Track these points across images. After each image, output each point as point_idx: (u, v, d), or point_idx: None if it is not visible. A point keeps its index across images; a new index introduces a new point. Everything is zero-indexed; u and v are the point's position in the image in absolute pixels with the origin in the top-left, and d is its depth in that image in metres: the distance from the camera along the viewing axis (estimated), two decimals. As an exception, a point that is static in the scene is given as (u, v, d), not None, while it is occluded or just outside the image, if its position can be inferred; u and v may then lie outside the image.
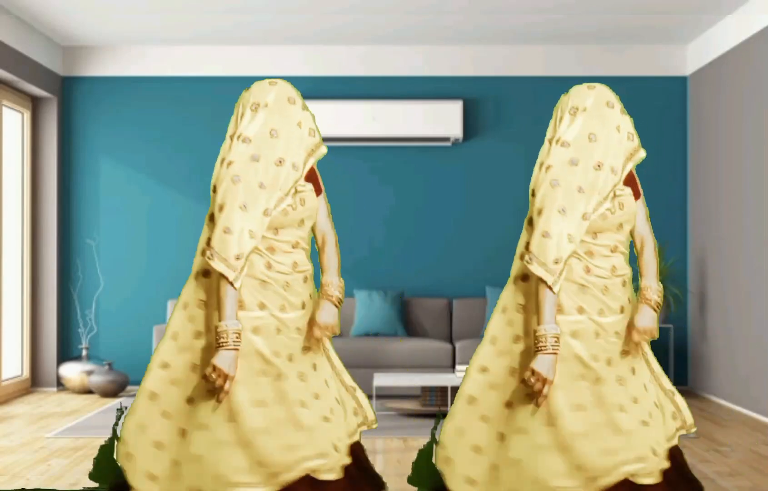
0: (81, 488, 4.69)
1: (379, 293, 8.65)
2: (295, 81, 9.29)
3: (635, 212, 3.86)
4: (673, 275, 8.74)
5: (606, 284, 3.83)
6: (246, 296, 3.79)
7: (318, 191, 4.14)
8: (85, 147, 9.04)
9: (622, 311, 3.85)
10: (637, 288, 4.04)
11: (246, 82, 9.51)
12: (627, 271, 3.93)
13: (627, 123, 3.86)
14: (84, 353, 8.64)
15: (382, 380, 7.37)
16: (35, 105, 8.86)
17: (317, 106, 8.82)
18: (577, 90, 3.97)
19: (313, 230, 4.07)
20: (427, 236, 9.02)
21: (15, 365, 8.58)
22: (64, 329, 8.97)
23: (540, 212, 3.71)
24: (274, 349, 3.83)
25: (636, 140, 3.86)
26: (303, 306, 3.90)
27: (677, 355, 8.86)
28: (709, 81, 8.45)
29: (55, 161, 8.85)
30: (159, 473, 3.83)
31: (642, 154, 3.86)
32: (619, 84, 9.02)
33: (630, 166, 3.84)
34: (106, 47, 9.02)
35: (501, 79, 9.03)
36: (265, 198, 3.80)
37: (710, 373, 8.38)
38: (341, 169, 9.02)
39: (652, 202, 9.43)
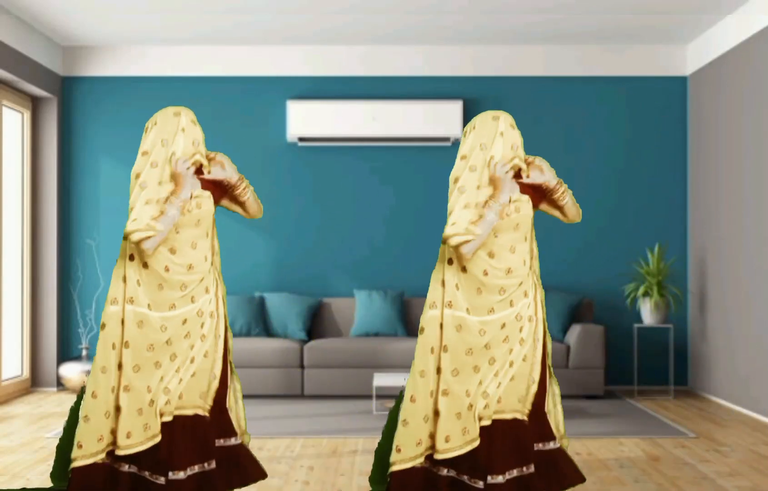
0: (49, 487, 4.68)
1: (379, 293, 8.65)
2: (295, 81, 9.36)
3: (530, 216, 4.55)
4: (673, 275, 8.74)
5: (502, 285, 4.47)
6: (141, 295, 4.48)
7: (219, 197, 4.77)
8: (85, 147, 9.04)
9: (511, 305, 4.49)
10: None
11: (246, 82, 9.58)
12: (523, 273, 4.52)
13: (515, 136, 4.56)
14: (84, 353, 8.64)
15: (382, 380, 7.37)
16: (35, 105, 8.86)
17: (317, 106, 8.85)
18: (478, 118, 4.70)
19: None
20: (427, 236, 9.02)
21: (15, 365, 8.58)
22: (64, 329, 8.97)
23: (450, 213, 4.62)
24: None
25: (519, 152, 4.55)
26: (192, 300, 4.57)
27: (677, 355, 8.86)
28: (709, 81, 8.45)
29: (55, 161, 8.85)
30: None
31: (518, 163, 4.53)
32: (619, 84, 9.07)
33: (508, 171, 4.54)
34: (106, 47, 9.03)
35: (501, 79, 9.03)
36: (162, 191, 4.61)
37: (710, 373, 8.38)
38: (341, 169, 9.02)
39: (653, 202, 9.43)
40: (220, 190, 4.71)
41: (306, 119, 8.81)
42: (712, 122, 8.41)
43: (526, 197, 4.57)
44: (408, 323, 8.75)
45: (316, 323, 8.81)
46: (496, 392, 4.49)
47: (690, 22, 8.24)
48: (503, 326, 4.50)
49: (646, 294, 8.38)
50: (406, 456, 4.42)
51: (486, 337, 4.48)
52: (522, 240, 4.56)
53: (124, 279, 4.49)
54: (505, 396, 4.50)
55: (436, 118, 8.82)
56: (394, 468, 4.42)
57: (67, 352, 8.95)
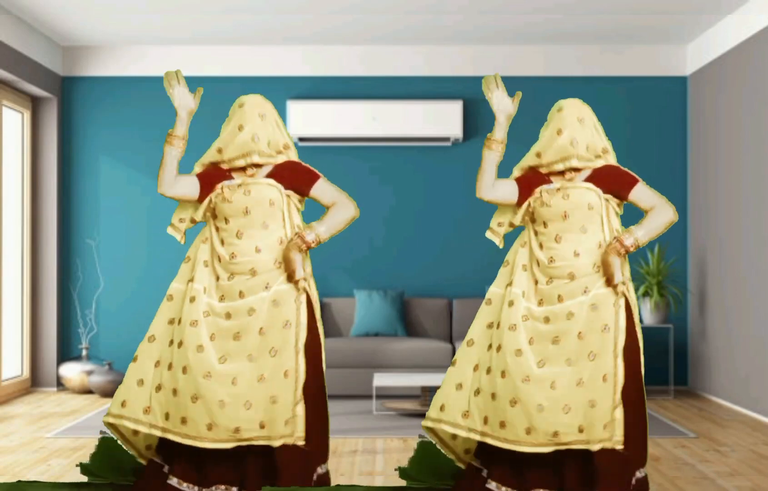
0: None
1: (379, 293, 8.65)
2: (295, 81, 9.36)
3: (587, 206, 4.42)
4: (673, 275, 8.74)
5: (550, 274, 4.32)
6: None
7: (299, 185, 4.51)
8: (85, 147, 9.04)
9: (560, 300, 4.29)
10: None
11: (246, 82, 9.57)
12: (576, 265, 4.33)
13: (584, 134, 4.61)
14: (84, 353, 8.64)
15: (382, 380, 7.37)
16: (35, 105, 8.86)
17: (317, 106, 8.85)
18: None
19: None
20: (427, 236, 9.02)
21: (15, 366, 8.58)
22: (64, 329, 8.97)
23: None
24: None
25: (579, 149, 4.51)
26: (240, 295, 4.35)
27: (677, 355, 8.86)
28: (709, 81, 8.45)
29: (55, 161, 8.85)
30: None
31: (574, 163, 4.49)
32: (619, 84, 9.07)
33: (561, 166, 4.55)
34: (106, 47, 9.02)
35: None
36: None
37: (710, 373, 8.38)
38: (341, 169, 9.01)
39: (652, 202, 9.35)
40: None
41: (306, 119, 8.81)
42: (712, 122, 8.40)
43: (585, 185, 4.40)
44: (408, 323, 8.75)
45: (316, 323, 8.80)
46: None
47: (690, 22, 8.24)
48: (546, 319, 4.28)
49: (646, 294, 8.38)
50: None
51: (528, 328, 4.28)
52: (575, 230, 4.36)
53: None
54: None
55: (436, 119, 8.82)
56: None
57: (67, 352, 8.95)
